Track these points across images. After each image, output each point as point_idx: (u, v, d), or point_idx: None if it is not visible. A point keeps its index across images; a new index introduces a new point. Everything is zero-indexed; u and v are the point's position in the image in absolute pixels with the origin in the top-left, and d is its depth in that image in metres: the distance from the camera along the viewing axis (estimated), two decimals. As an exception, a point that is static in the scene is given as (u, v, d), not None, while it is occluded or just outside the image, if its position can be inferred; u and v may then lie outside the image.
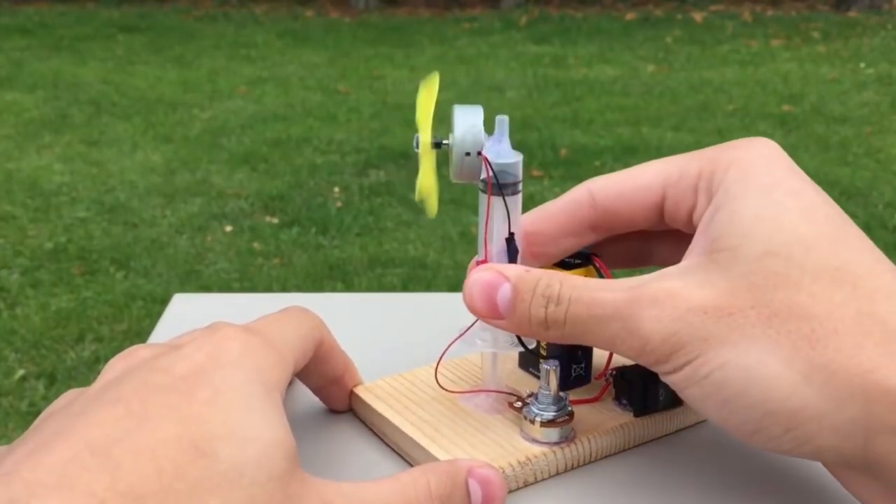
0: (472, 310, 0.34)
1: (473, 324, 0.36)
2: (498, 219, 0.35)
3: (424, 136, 0.35)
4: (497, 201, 0.34)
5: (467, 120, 0.34)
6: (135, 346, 0.31)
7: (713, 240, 0.31)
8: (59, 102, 4.20)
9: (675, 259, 0.36)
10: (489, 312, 0.33)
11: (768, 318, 0.29)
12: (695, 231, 0.33)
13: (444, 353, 0.37)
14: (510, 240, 0.35)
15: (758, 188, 0.31)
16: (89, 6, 7.63)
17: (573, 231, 0.37)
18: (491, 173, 0.34)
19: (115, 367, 0.30)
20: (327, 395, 0.39)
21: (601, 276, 0.37)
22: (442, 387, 0.38)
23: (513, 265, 0.34)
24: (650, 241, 0.39)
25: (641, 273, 0.36)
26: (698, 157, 0.34)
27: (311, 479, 0.28)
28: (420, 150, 0.35)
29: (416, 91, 0.35)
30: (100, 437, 0.25)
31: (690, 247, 0.33)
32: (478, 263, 0.35)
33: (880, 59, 5.35)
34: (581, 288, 0.32)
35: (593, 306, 0.31)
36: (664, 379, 0.31)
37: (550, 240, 0.37)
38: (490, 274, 0.33)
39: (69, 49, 5.63)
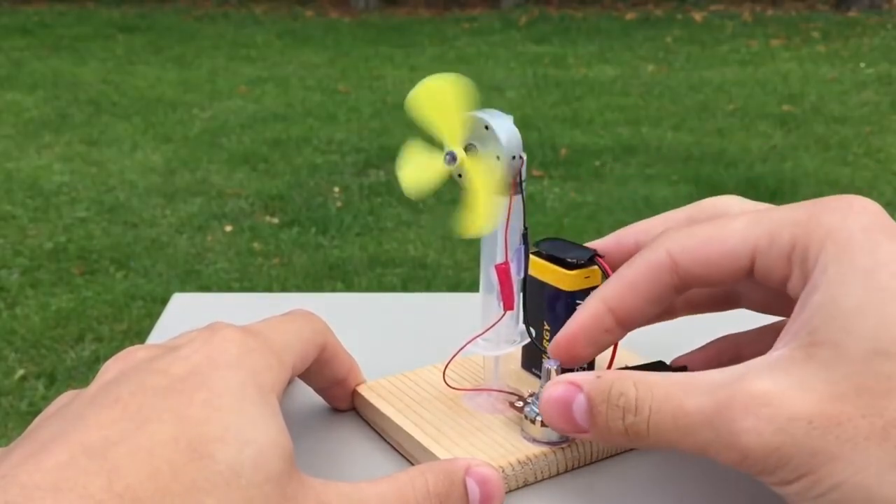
0: (557, 431, 0.33)
1: (485, 331, 0.36)
2: (512, 218, 0.35)
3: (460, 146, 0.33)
4: (516, 200, 0.34)
5: (505, 124, 0.33)
6: (132, 347, 0.31)
7: (810, 332, 0.28)
8: (59, 102, 4.20)
9: (767, 304, 0.36)
10: (573, 429, 0.32)
11: (883, 428, 0.26)
12: (785, 294, 0.31)
13: (453, 357, 0.37)
14: (525, 234, 0.35)
15: (859, 271, 0.28)
16: (89, 6, 7.64)
17: (657, 298, 0.34)
18: (523, 175, 0.34)
19: (112, 368, 0.30)
20: (331, 396, 0.39)
21: (606, 277, 0.37)
22: (448, 384, 0.38)
23: (584, 373, 0.32)
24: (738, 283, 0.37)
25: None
26: (790, 223, 0.31)
27: (308, 480, 0.28)
28: (459, 165, 0.33)
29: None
30: (96, 439, 0.25)
31: (783, 332, 0.30)
32: (496, 267, 0.35)
33: (880, 59, 5.35)
34: (661, 394, 0.30)
35: (679, 417, 0.29)
36: (771, 488, 0.29)
37: (636, 310, 0.34)
38: (562, 388, 0.31)
39: (69, 49, 5.63)
